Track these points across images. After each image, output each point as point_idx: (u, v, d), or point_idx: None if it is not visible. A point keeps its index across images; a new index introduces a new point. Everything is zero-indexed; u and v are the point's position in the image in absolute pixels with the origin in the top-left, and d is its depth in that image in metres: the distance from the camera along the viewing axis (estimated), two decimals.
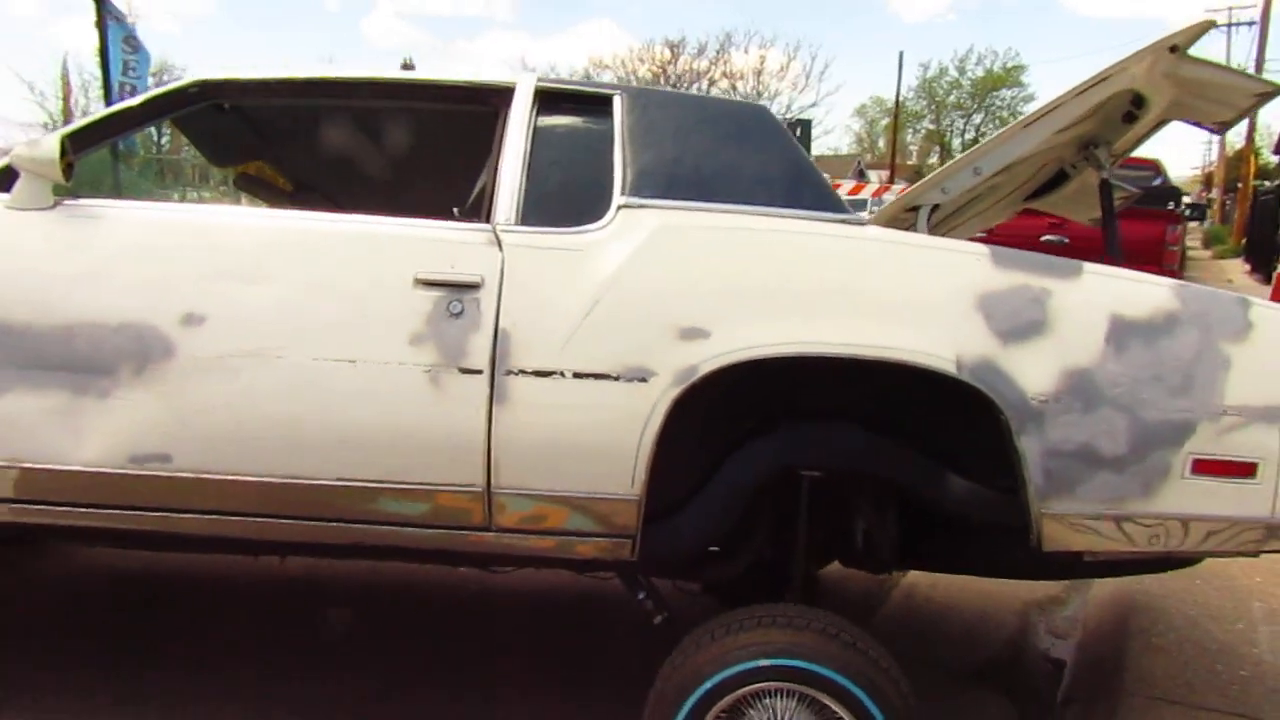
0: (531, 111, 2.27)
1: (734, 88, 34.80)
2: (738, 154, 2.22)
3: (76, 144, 2.17)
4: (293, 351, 1.99)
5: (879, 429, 2.15)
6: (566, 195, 2.21)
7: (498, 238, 2.08)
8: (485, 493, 2.01)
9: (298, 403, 1.99)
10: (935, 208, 2.31)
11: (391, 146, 2.88)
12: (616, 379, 1.97)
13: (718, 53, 35.25)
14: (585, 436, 1.99)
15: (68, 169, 2.08)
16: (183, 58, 44.15)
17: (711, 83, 34.87)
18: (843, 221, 2.13)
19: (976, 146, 2.26)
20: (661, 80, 33.53)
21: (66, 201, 2.12)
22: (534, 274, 2.05)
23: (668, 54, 35.34)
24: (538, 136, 2.26)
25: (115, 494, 2.04)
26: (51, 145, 2.05)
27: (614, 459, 1.98)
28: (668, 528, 2.16)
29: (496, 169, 2.19)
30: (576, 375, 1.98)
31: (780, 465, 2.17)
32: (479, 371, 1.98)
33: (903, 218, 2.34)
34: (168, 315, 2.00)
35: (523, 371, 1.98)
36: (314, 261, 2.06)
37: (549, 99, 2.32)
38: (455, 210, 2.43)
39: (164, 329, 2.00)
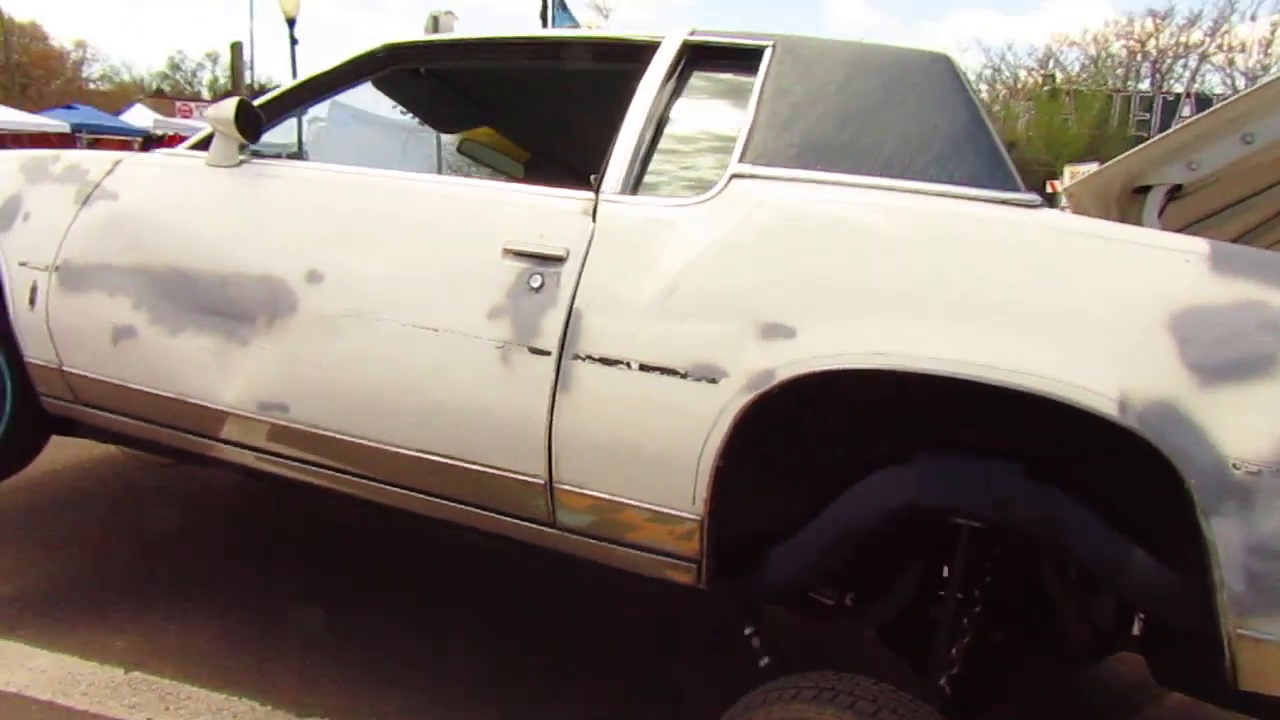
0: (671, 69, 2.02)
1: (1231, 63, 29.96)
2: (896, 113, 1.79)
3: (270, 110, 2.32)
4: (388, 315, 1.96)
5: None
6: (692, 164, 1.94)
7: (595, 208, 1.88)
8: (548, 486, 1.84)
9: (386, 368, 1.96)
10: (1175, 190, 1.69)
11: (597, 110, 2.76)
12: (684, 376, 1.70)
13: (1215, 23, 30.49)
14: (645, 439, 1.74)
15: (250, 130, 2.22)
16: None
17: (1204, 58, 30.32)
18: (1004, 202, 1.63)
19: (1248, 93, 1.60)
20: (1138, 58, 29.85)
21: (251, 161, 2.28)
22: (620, 251, 1.82)
23: (1150, 26, 31.32)
24: (674, 97, 2.01)
25: (246, 435, 2.17)
26: (230, 107, 2.20)
27: (674, 469, 1.71)
28: (757, 561, 1.84)
29: (618, 133, 1.98)
30: (643, 368, 1.73)
31: (907, 506, 1.74)
32: (547, 353, 1.81)
33: (1117, 200, 1.75)
34: (296, 271, 2.07)
35: (589, 358, 1.77)
36: (415, 225, 2.02)
37: (698, 54, 2.05)
38: (591, 178, 2.27)
39: (291, 284, 2.07)
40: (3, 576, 2.84)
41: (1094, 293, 1.50)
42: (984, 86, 31.78)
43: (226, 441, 2.22)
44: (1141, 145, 1.63)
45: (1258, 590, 1.36)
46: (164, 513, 3.47)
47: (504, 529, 1.94)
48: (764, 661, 1.93)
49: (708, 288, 1.72)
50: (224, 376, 2.15)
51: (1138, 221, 1.69)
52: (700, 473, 1.68)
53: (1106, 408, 1.42)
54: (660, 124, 1.98)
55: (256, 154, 2.36)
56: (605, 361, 1.76)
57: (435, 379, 1.91)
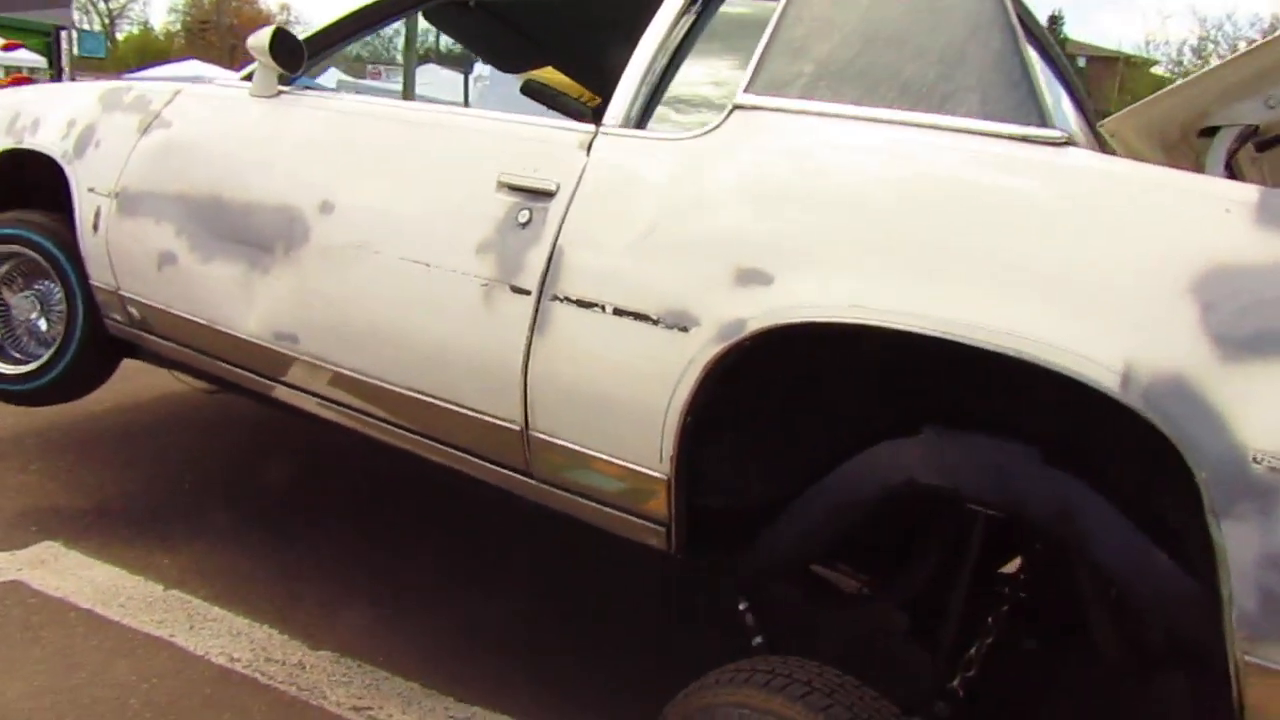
0: None
1: None
2: (919, 37, 1.57)
3: (317, 42, 2.31)
4: (388, 248, 1.91)
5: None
6: (710, 95, 1.79)
7: (591, 142, 1.75)
8: (523, 433, 1.75)
9: (383, 303, 1.91)
10: (1252, 133, 1.42)
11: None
12: (656, 323, 1.56)
13: None
14: (615, 388, 1.61)
15: (288, 60, 2.21)
16: None
17: None
18: (1024, 139, 1.40)
19: None
20: None
21: (288, 91, 2.27)
22: (609, 187, 1.69)
23: None
24: (699, 21, 1.84)
25: (264, 364, 2.17)
26: (266, 35, 2.19)
27: (641, 423, 1.58)
28: (744, 533, 1.69)
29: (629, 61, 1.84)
30: (617, 312, 1.60)
31: (906, 483, 1.55)
32: (528, 292, 1.70)
33: (1178, 143, 1.48)
34: (311, 201, 2.04)
35: (567, 299, 1.66)
36: (421, 157, 1.95)
37: None
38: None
39: (307, 214, 2.04)
40: (84, 491, 3.00)
41: (1109, 246, 1.26)
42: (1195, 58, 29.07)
43: (248, 370, 2.24)
44: (1199, 73, 1.36)
45: (1273, 611, 1.12)
46: (248, 446, 3.61)
47: (487, 476, 1.87)
48: (756, 640, 1.79)
49: (689, 228, 1.58)
50: (247, 305, 2.16)
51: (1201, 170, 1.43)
52: (667, 428, 1.54)
53: (1107, 381, 1.20)
54: (678, 52, 1.82)
55: (309, 88, 2.35)
56: (581, 303, 1.64)
57: (425, 315, 1.85)
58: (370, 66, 35.12)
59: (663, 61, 1.80)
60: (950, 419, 1.54)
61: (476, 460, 1.86)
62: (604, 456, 1.65)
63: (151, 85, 2.60)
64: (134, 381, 3.32)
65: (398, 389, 1.91)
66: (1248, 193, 1.23)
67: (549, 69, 2.91)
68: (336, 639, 2.36)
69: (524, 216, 1.74)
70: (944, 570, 1.73)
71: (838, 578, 2.08)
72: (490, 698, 2.20)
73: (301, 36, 2.33)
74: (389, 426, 1.99)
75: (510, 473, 1.82)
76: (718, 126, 1.64)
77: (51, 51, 13.22)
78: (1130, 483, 1.39)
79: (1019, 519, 1.50)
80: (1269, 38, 1.28)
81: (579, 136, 1.77)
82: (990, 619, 1.72)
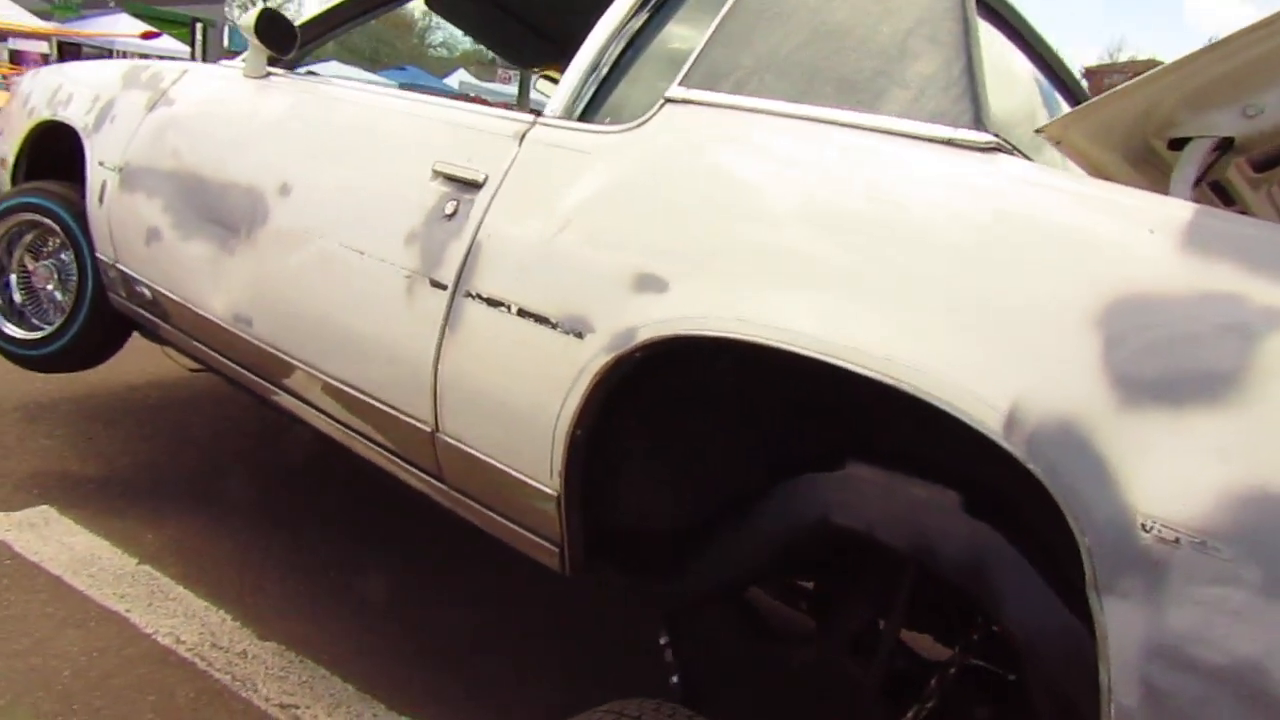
0: None
1: None
2: (868, 31, 1.42)
3: (312, 28, 2.29)
4: (331, 234, 1.85)
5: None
6: (657, 87, 1.67)
7: (525, 133, 1.66)
8: (433, 435, 1.66)
9: (322, 290, 1.86)
10: (1226, 147, 1.21)
11: None
12: (554, 326, 1.45)
13: None
14: (511, 395, 1.51)
15: (276, 42, 2.19)
16: None
17: None
18: (950, 142, 1.23)
19: None
20: None
21: (276, 74, 2.25)
22: (533, 180, 1.59)
23: None
24: (659, 10, 1.73)
25: (225, 346, 2.15)
26: (251, 17, 2.17)
27: (533, 433, 1.47)
28: (654, 559, 1.56)
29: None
30: (521, 312, 1.50)
31: (820, 522, 1.40)
32: (444, 287, 1.62)
33: (1144, 155, 1.27)
34: (272, 183, 2.01)
35: (478, 296, 1.56)
36: (370, 142, 1.88)
37: None
38: None
39: (268, 196, 2.01)
40: (96, 460, 3.06)
41: (1013, 266, 1.09)
42: None
43: (215, 350, 2.22)
44: (1153, 71, 1.16)
45: (1155, 709, 0.93)
46: (272, 430, 3.64)
47: (408, 479, 1.79)
48: (673, 680, 1.66)
49: (597, 228, 1.46)
50: (213, 285, 2.15)
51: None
52: (556, 441, 1.43)
53: (990, 420, 1.03)
54: (635, 41, 1.71)
55: (311, 72, 2.33)
56: (490, 302, 1.54)
57: (355, 305, 1.78)
58: (500, 70, 35.89)
59: (616, 50, 1.69)
60: (872, 452, 1.38)
61: (398, 461, 1.78)
62: (501, 466, 1.54)
63: (166, 64, 2.63)
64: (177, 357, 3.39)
65: (332, 380, 1.85)
66: (1183, 210, 1.05)
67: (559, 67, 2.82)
68: (287, 632, 2.31)
69: (450, 207, 1.65)
70: (883, 616, 1.57)
71: (790, 613, 1.92)
72: (423, 708, 2.11)
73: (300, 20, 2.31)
74: (327, 419, 1.93)
75: (426, 476, 1.73)
76: (647, 120, 1.52)
77: (193, 41, 13.97)
78: (1045, 537, 1.20)
79: (934, 570, 1.33)
80: (1237, 31, 1.08)
81: (517, 127, 1.68)
82: (933, 681, 1.55)
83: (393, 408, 1.72)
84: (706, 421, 1.50)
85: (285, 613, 2.40)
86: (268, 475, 3.18)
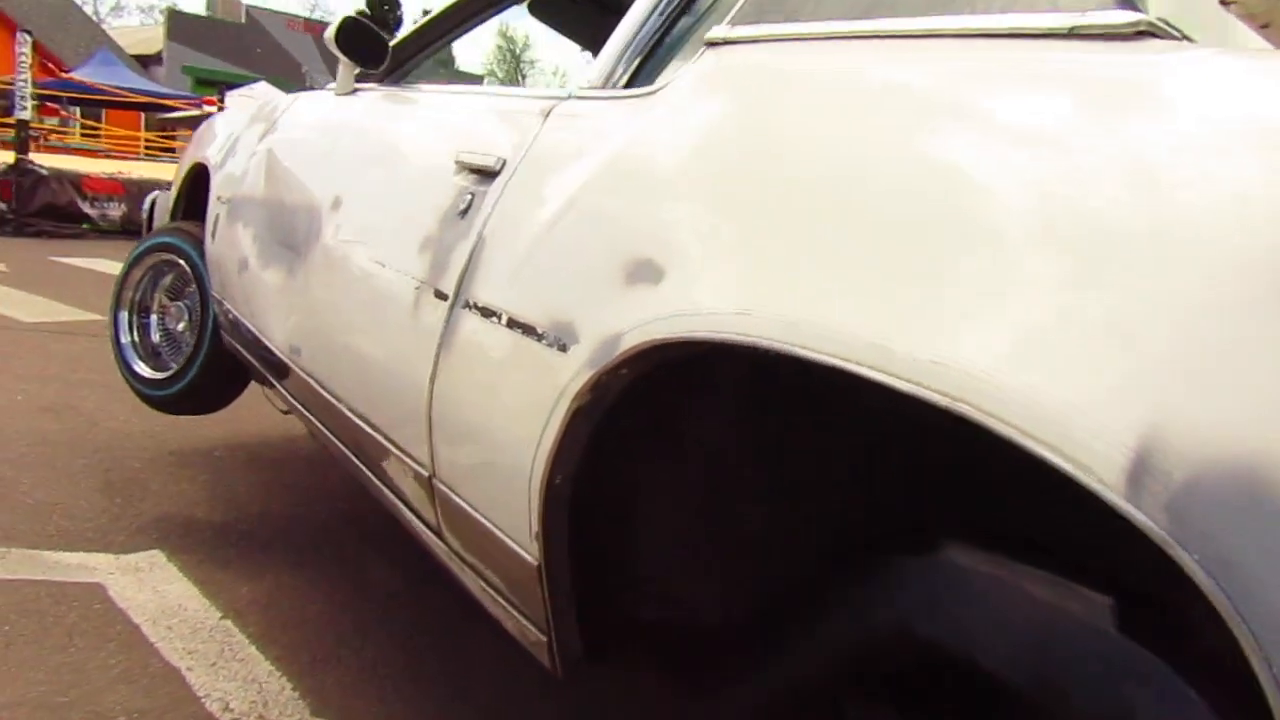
0: None
1: None
2: None
3: (413, 41, 2.10)
4: (363, 248, 1.60)
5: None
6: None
7: (553, 107, 1.33)
8: (430, 480, 1.33)
9: (345, 310, 1.61)
10: None
11: None
12: (540, 338, 1.09)
13: None
14: (491, 427, 1.16)
15: (364, 55, 2.02)
16: None
17: None
18: (1072, 32, 0.78)
19: None
20: None
21: (364, 88, 2.07)
22: (546, 161, 1.26)
23: None
24: None
25: (283, 379, 1.95)
26: (333, 27, 2.01)
27: (510, 478, 1.11)
28: (700, 660, 1.15)
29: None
30: (511, 322, 1.15)
31: (900, 635, 0.96)
32: (445, 298, 1.31)
33: None
34: (328, 197, 1.80)
35: (474, 306, 1.24)
36: (410, 141, 1.63)
37: None
38: None
39: (323, 211, 1.80)
40: (226, 507, 2.99)
41: (1148, 227, 0.62)
42: None
43: (281, 386, 2.03)
44: None
45: None
46: None
47: (419, 536, 1.47)
48: None
49: (599, 206, 1.10)
50: (276, 313, 1.96)
51: None
52: (532, 489, 1.06)
53: (1095, 471, 0.57)
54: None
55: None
56: (484, 312, 1.21)
57: (369, 326, 1.51)
58: None
59: (671, 6, 1.34)
60: (975, 528, 0.92)
61: (408, 514, 1.47)
62: (485, 523, 1.19)
63: (286, 96, 2.55)
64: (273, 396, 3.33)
65: (350, 415, 1.58)
66: None
67: None
68: (344, 710, 2.04)
69: (464, 202, 1.35)
70: None
71: None
72: None
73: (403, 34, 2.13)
74: (354, 462, 1.66)
75: (432, 535, 1.40)
76: (688, 69, 1.15)
77: None
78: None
79: None
80: None
81: (546, 104, 1.36)
82: None
83: (397, 447, 1.41)
84: (738, 475, 1.08)
85: (351, 687, 2.13)
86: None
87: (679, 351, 0.91)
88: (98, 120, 19.62)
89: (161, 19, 28.96)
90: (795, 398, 1.03)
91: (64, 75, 19.39)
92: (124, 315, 2.81)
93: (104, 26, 33.26)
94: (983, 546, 0.93)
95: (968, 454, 0.92)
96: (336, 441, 1.73)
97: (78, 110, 19.87)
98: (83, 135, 18.14)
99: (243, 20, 28.28)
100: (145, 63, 26.00)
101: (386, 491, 1.55)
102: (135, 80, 19.54)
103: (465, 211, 1.34)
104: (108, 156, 14.15)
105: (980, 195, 0.72)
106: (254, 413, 3.57)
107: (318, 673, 2.17)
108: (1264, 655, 0.50)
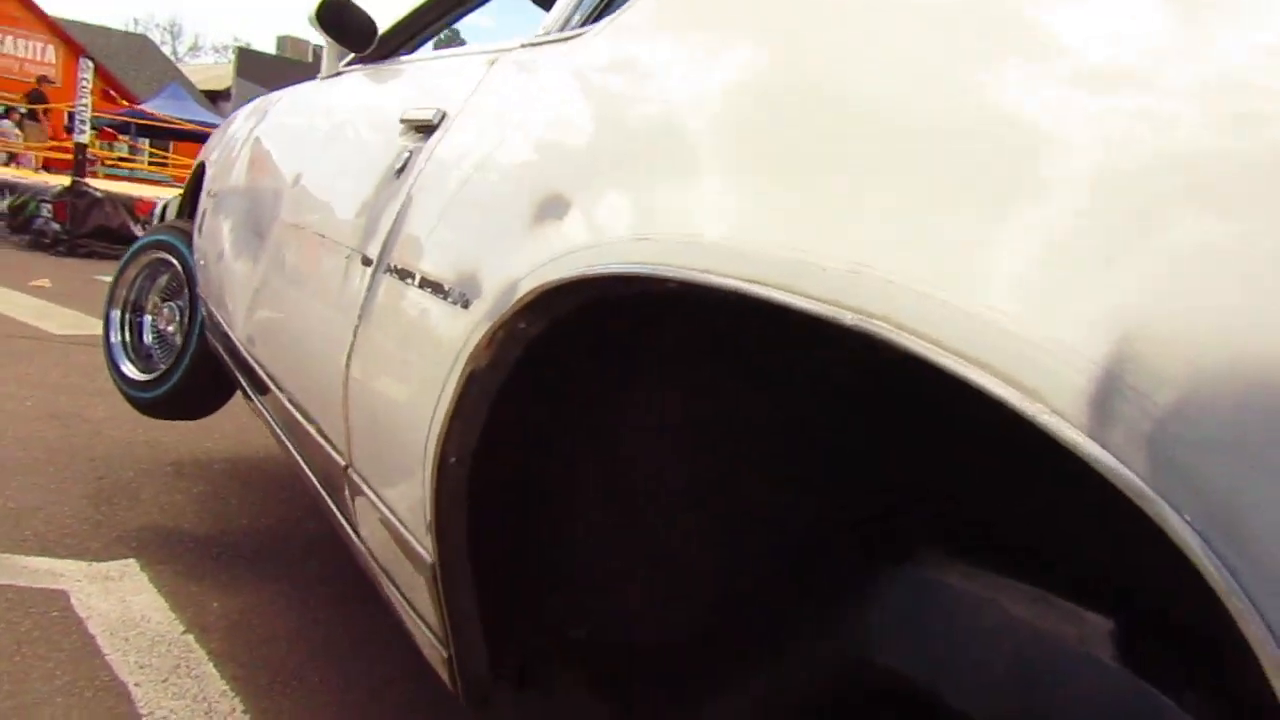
0: None
1: None
2: None
3: (400, 34, 1.99)
4: (310, 221, 1.47)
5: None
6: None
7: (500, 54, 1.19)
8: (345, 470, 1.18)
9: (286, 286, 1.47)
10: None
11: None
12: (446, 295, 0.94)
13: None
14: (394, 403, 1.01)
15: (345, 34, 1.91)
16: None
17: None
18: None
19: None
20: None
21: (346, 71, 1.96)
22: (482, 110, 1.12)
23: None
24: None
25: (242, 374, 1.82)
26: (314, 7, 1.90)
27: (407, 459, 0.95)
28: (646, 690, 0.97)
29: None
30: (422, 282, 1.00)
31: (860, 665, 0.78)
32: (370, 263, 1.16)
33: None
34: (291, 177, 1.68)
35: (393, 268, 1.09)
36: (362, 111, 1.50)
37: None
38: None
39: (285, 191, 1.68)
40: (215, 520, 2.87)
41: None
42: None
43: (244, 384, 1.90)
44: None
45: None
46: None
47: (346, 540, 1.31)
48: None
49: (521, 149, 0.95)
50: (242, 303, 1.83)
51: None
52: (426, 471, 0.90)
53: (1060, 402, 0.40)
54: None
55: None
56: (401, 274, 1.06)
57: (303, 300, 1.37)
58: None
59: None
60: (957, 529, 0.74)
61: (337, 515, 1.31)
62: (388, 514, 1.03)
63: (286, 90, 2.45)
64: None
65: (288, 404, 1.43)
66: None
67: None
68: None
69: (402, 160, 1.21)
70: None
71: None
72: None
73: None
74: (297, 460, 1.51)
75: (353, 536, 1.25)
76: (628, 6, 1.00)
77: None
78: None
79: None
80: None
81: (495, 54, 1.21)
82: None
83: (322, 436, 1.26)
84: (671, 466, 0.91)
85: (310, 711, 1.97)
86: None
87: (574, 298, 0.74)
88: (165, 150, 20.17)
89: (233, 57, 29.93)
90: (739, 371, 0.86)
91: (133, 106, 20.02)
92: (116, 314, 2.72)
93: (179, 64, 34.45)
94: (954, 555, 0.75)
95: (938, 439, 0.75)
96: (283, 437, 1.59)
97: (147, 141, 20.47)
98: (150, 164, 18.64)
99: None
100: (214, 98, 26.76)
101: (323, 493, 1.40)
102: (202, 113, 20.06)
103: (400, 170, 1.20)
104: (171, 185, 14.50)
105: (898, 89, 0.55)
106: (261, 427, 3.48)
107: (276, 694, 2.01)
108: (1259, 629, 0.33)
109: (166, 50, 35.47)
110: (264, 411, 1.74)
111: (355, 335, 1.13)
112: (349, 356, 1.14)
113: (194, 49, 47.02)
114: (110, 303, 2.74)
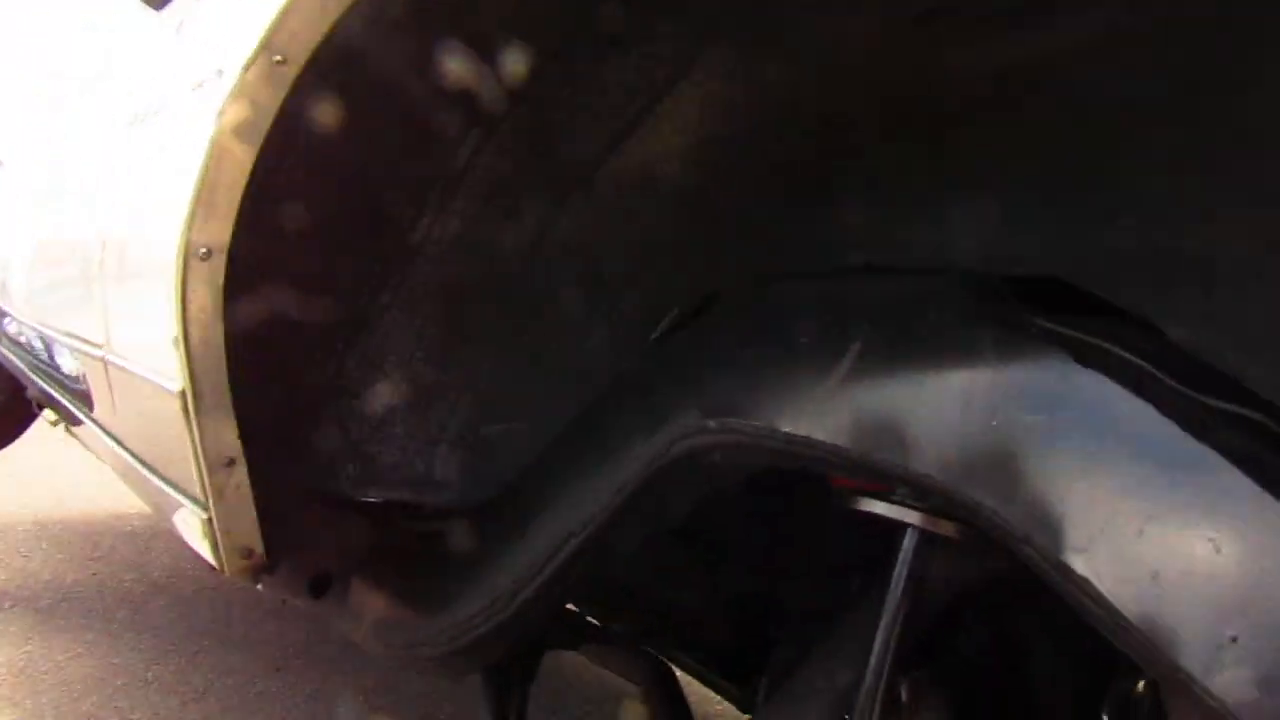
0: None
1: None
2: None
3: None
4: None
5: None
6: None
7: None
8: (103, 361, 1.00)
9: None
10: None
11: None
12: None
13: None
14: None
15: None
16: None
17: None
18: None
19: None
20: None
21: None
22: None
23: None
24: None
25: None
26: None
27: (157, 275, 0.79)
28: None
29: None
30: None
31: None
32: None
33: None
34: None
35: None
36: None
37: None
38: None
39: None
40: (15, 574, 2.55)
41: None
42: None
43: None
44: None
45: None
46: None
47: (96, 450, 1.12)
48: None
49: None
50: (20, 270, 1.63)
51: None
52: (174, 273, 0.74)
53: None
54: None
55: None
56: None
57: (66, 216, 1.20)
58: None
59: None
60: None
61: (94, 429, 1.12)
62: (135, 370, 0.86)
63: None
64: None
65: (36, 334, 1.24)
66: None
67: None
68: None
69: None
70: None
71: None
72: None
73: None
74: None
75: (106, 438, 1.06)
76: None
77: None
78: None
79: None
80: None
81: None
82: None
83: (73, 337, 1.08)
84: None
85: None
86: (203, 600, 2.54)
87: None
88: None
89: None
90: None
91: None
92: None
93: None
94: None
95: None
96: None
97: None
98: None
99: None
100: None
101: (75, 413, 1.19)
102: None
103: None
104: None
105: None
106: (78, 486, 3.15)
107: None
108: None
109: None
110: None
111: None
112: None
113: None
114: None
